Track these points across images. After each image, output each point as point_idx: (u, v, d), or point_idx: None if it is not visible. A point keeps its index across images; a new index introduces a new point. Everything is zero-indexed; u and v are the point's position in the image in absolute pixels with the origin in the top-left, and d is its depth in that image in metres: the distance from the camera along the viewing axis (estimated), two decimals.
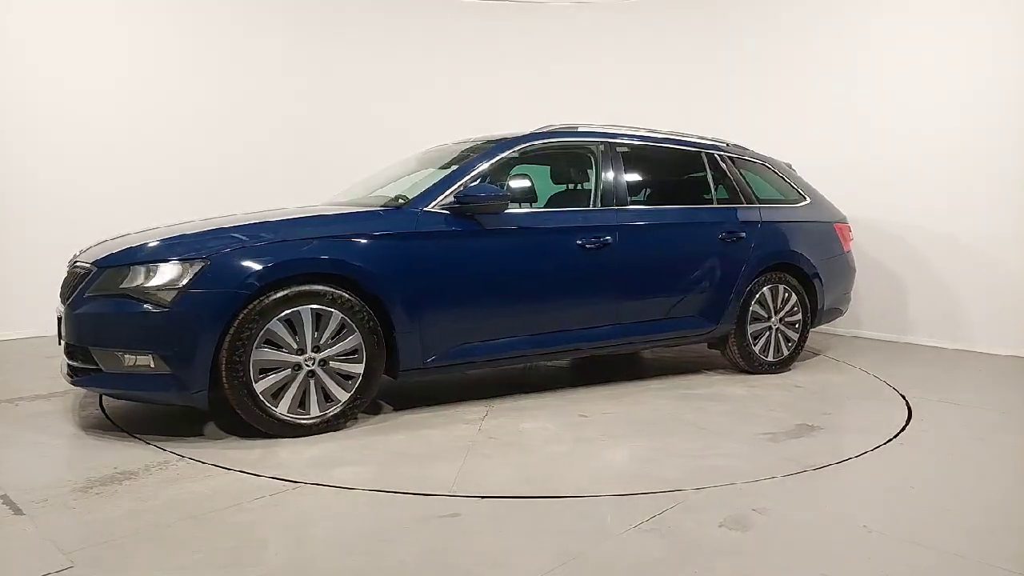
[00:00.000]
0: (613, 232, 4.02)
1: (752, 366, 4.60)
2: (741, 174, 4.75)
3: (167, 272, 3.03)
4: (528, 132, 4.11)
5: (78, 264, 3.31)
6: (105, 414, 3.54)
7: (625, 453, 3.12)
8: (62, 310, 3.23)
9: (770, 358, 4.66)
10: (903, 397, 4.13)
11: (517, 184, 4.34)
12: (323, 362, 3.21)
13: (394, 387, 4.08)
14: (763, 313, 4.61)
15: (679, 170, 4.71)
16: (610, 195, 4.12)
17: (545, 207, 4.28)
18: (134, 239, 3.34)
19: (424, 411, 3.68)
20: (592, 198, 4.13)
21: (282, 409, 3.14)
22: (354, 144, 6.80)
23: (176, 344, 2.99)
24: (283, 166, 6.64)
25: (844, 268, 5.13)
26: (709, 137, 4.87)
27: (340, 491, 2.61)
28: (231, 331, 3.02)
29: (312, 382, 3.20)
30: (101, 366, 3.07)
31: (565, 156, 4.43)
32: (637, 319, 4.17)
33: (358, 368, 3.29)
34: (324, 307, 3.19)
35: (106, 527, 2.27)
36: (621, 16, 7.37)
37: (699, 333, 4.43)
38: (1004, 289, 5.53)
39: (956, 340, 5.77)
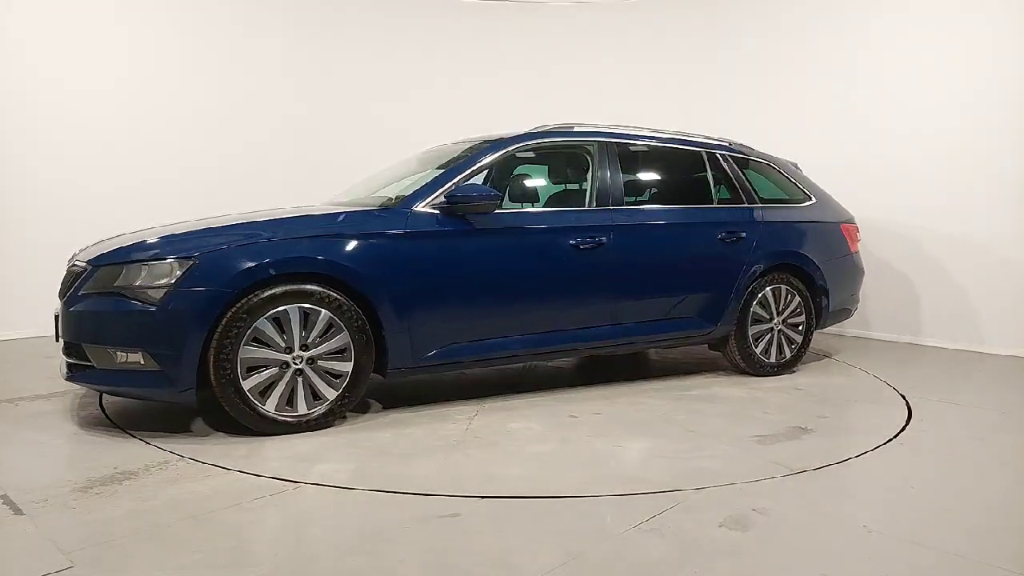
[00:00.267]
0: (607, 232, 4.01)
1: (754, 368, 4.56)
2: (743, 174, 4.70)
3: (157, 271, 3.09)
4: (523, 132, 4.10)
5: (75, 263, 3.37)
6: (105, 414, 3.54)
7: (606, 454, 3.09)
8: (60, 308, 3.30)
9: (772, 360, 4.60)
10: (903, 398, 4.13)
11: (518, 184, 4.35)
12: (311, 360, 3.24)
13: (390, 387, 4.09)
14: (765, 314, 4.56)
15: (678, 170, 4.68)
16: (605, 195, 4.11)
17: (544, 207, 4.29)
18: (128, 238, 3.41)
19: (414, 410, 3.69)
20: (587, 198, 4.12)
21: (270, 407, 3.17)
22: (354, 144, 6.80)
23: (165, 341, 3.03)
24: (283, 166, 6.64)
25: (851, 269, 5.03)
26: (712, 137, 4.84)
27: (340, 491, 2.61)
28: (219, 329, 3.06)
29: (300, 380, 3.23)
30: (94, 362, 3.14)
31: (561, 156, 4.43)
32: (633, 319, 4.15)
33: (346, 367, 3.31)
34: (312, 306, 3.21)
35: (106, 527, 2.26)
36: (621, 16, 7.37)
37: (698, 334, 4.40)
38: (1005, 289, 5.53)
39: (956, 340, 5.77)
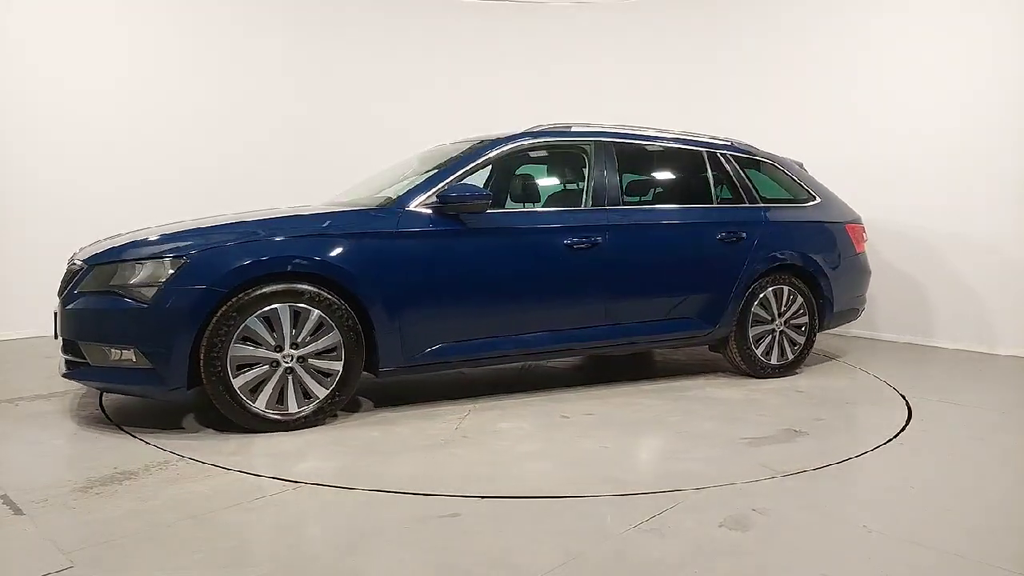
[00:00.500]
0: (603, 232, 3.99)
1: (755, 369, 4.51)
2: (745, 173, 4.66)
3: (149, 269, 3.13)
4: (519, 132, 4.09)
5: (73, 262, 3.44)
6: (105, 414, 3.54)
7: (589, 455, 3.07)
8: (58, 306, 3.37)
9: (773, 361, 4.54)
10: (903, 398, 4.13)
11: (518, 184, 4.35)
12: (302, 359, 3.26)
13: (383, 386, 4.09)
14: (765, 315, 4.51)
15: (677, 169, 4.66)
16: (601, 194, 4.09)
17: (544, 207, 4.28)
18: (124, 238, 3.45)
19: (406, 409, 3.70)
20: (583, 198, 4.11)
21: (260, 404, 3.20)
22: (354, 144, 6.80)
23: (156, 339, 3.08)
24: (283, 166, 6.64)
25: (856, 269, 4.94)
26: (715, 136, 4.81)
27: (340, 491, 2.61)
28: (209, 327, 3.09)
29: (291, 379, 3.25)
30: (89, 359, 3.20)
31: (558, 156, 4.42)
32: (629, 320, 4.13)
33: (337, 366, 3.33)
34: (302, 305, 3.23)
35: (106, 527, 2.27)
36: (621, 16, 7.37)
37: (696, 335, 4.37)
38: (1005, 289, 5.53)
39: (957, 340, 5.77)
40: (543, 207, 4.27)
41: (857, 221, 5.07)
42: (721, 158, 4.64)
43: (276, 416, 3.24)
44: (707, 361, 5.01)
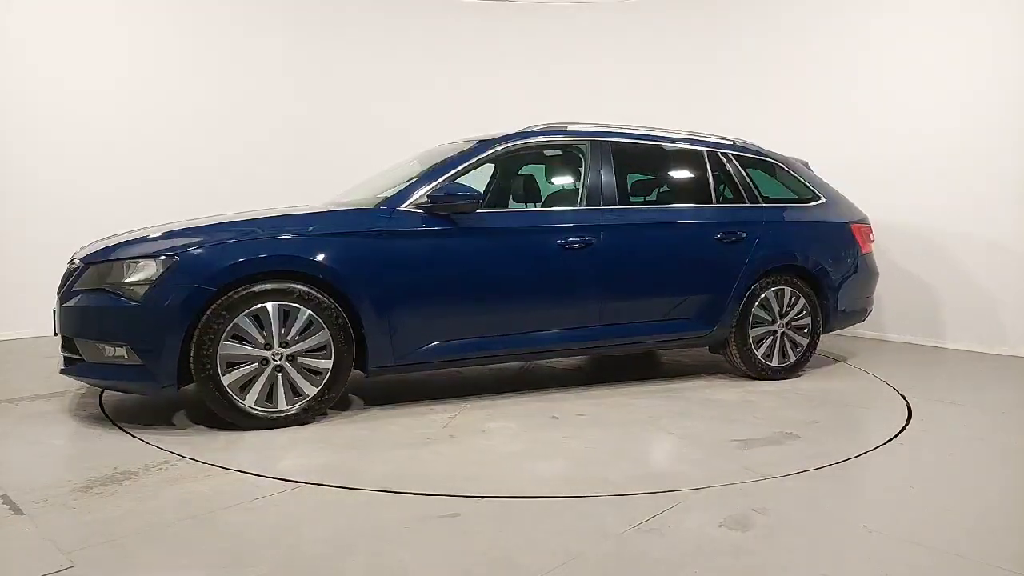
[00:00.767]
0: (597, 232, 3.97)
1: (755, 371, 4.45)
2: (746, 173, 4.61)
3: (141, 268, 3.18)
4: (513, 131, 4.07)
5: (72, 261, 3.49)
6: (105, 413, 3.55)
7: (573, 455, 3.06)
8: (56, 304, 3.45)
9: (775, 363, 4.47)
10: (903, 398, 4.12)
11: (518, 184, 4.34)
12: (291, 357, 3.28)
13: (377, 384, 4.09)
14: (766, 316, 4.44)
15: (677, 169, 4.63)
16: (596, 194, 4.06)
17: (544, 207, 4.28)
18: (121, 237, 3.50)
19: (397, 408, 3.70)
20: (579, 198, 4.09)
21: (249, 402, 3.22)
22: (354, 144, 6.80)
23: (146, 337, 3.13)
24: (283, 166, 6.64)
25: (862, 270, 4.83)
26: (721, 136, 4.77)
27: (340, 491, 2.61)
28: (199, 326, 3.12)
29: (280, 376, 3.27)
30: (84, 356, 3.26)
31: (555, 156, 4.40)
32: (625, 320, 4.10)
33: (326, 364, 3.35)
34: (291, 303, 3.26)
35: (106, 527, 2.27)
36: (621, 16, 7.37)
37: (694, 336, 4.33)
38: (1005, 290, 5.53)
39: (957, 340, 5.77)
40: (543, 207, 4.27)
41: (864, 221, 4.99)
42: (722, 158, 4.59)
43: (265, 414, 3.26)
44: (710, 362, 4.97)
